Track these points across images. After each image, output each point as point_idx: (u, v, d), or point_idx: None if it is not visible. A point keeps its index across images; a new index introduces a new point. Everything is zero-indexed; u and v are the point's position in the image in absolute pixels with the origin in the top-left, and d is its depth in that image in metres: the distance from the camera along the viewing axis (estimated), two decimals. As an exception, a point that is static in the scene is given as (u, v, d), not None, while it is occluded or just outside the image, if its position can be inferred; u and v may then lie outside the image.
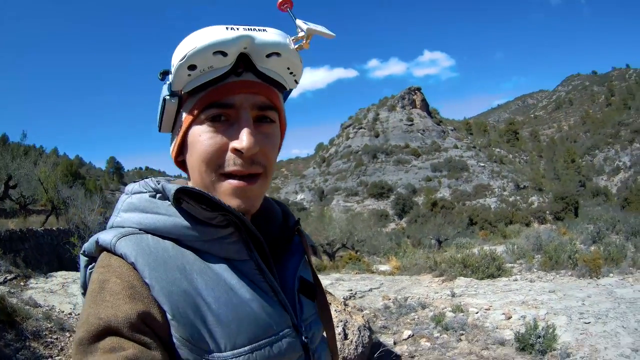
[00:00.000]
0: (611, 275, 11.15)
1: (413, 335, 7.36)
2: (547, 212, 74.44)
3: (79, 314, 9.36)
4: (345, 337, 5.58)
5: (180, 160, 1.26)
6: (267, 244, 1.22)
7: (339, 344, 5.38)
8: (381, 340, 6.90)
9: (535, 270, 13.29)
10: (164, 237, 1.09)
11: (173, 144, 1.25)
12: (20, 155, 19.67)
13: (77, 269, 14.86)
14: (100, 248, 1.08)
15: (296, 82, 1.28)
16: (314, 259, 1.58)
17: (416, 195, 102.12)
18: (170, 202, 1.11)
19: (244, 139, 1.09)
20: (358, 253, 24.92)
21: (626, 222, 20.14)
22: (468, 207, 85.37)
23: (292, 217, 1.44)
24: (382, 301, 9.99)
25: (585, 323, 7.36)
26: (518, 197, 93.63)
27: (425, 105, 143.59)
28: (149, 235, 1.08)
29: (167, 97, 1.15)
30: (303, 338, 1.21)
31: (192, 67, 1.07)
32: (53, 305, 8.58)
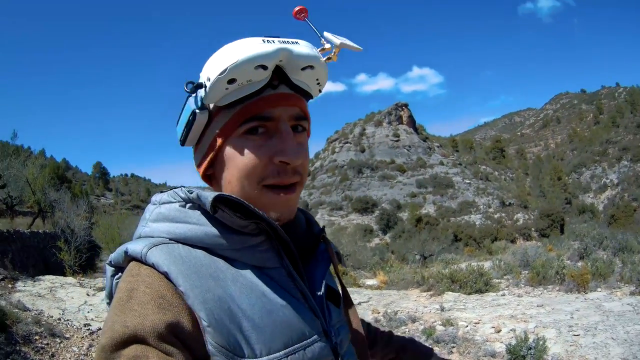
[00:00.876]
0: (599, 289, 11.30)
1: None
2: (533, 229, 74.85)
3: (68, 320, 9.43)
4: None
5: (209, 174, 1.26)
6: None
7: None
8: None
9: (522, 285, 13.46)
10: (194, 247, 1.09)
11: (201, 158, 1.25)
12: (10, 154, 19.65)
13: (63, 274, 14.91)
14: (130, 258, 1.08)
15: (320, 91, 1.30)
16: (340, 268, 1.53)
17: (401, 211, 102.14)
18: (200, 212, 1.12)
19: (290, 152, 1.11)
20: (344, 267, 24.89)
21: (613, 238, 20.23)
22: (453, 223, 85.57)
23: (316, 224, 1.45)
24: (371, 315, 10.10)
25: (575, 335, 7.48)
26: (503, 214, 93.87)
27: (412, 122, 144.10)
28: (180, 245, 1.08)
29: (197, 111, 1.14)
30: (333, 343, 1.22)
31: (231, 81, 1.07)
32: (42, 310, 8.62)
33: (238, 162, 1.13)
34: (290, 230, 1.28)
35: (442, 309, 10.34)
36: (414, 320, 9.12)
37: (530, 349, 6.44)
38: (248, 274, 1.10)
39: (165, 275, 0.99)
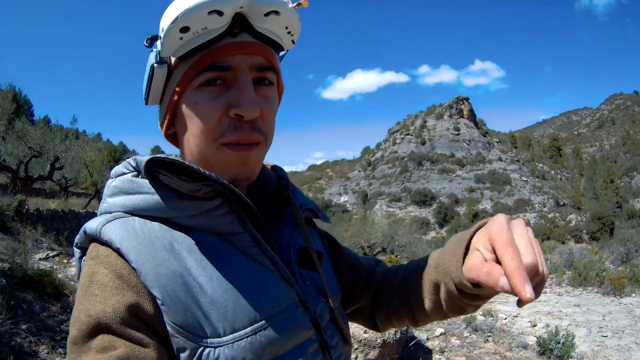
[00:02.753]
0: (633, 295, 11.37)
1: (445, 333, 7.76)
2: (584, 231, 73.22)
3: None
4: None
5: (171, 133, 1.17)
6: (262, 214, 1.14)
7: None
8: (415, 334, 7.21)
9: (564, 285, 13.59)
10: (151, 218, 1.02)
11: (163, 117, 1.16)
12: (71, 138, 19.69)
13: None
14: (89, 238, 1.02)
15: (293, 42, 1.16)
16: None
17: (458, 206, 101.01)
18: (150, 180, 1.03)
19: (244, 102, 1.01)
20: (398, 257, 25.07)
21: (657, 245, 19.92)
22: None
23: (287, 181, 1.36)
24: None
25: (603, 336, 7.70)
26: (557, 214, 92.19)
27: (472, 116, 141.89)
28: (136, 218, 1.01)
29: (156, 65, 1.05)
30: (312, 313, 1.13)
31: (184, 30, 0.97)
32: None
33: (193, 116, 1.05)
34: (257, 190, 1.27)
35: None
36: None
37: (558, 343, 6.70)
38: (207, 243, 1.02)
39: (118, 252, 0.95)
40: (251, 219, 1.09)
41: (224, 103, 1.02)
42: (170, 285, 0.92)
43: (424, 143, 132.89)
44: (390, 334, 5.85)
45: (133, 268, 0.93)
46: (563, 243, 48.38)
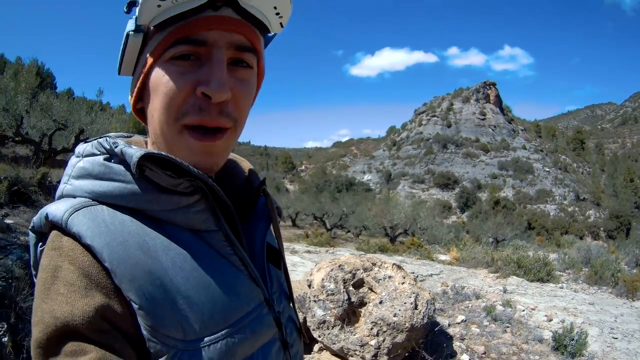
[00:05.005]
0: None
1: (465, 320, 7.89)
2: (602, 228, 72.15)
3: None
4: (416, 307, 5.84)
5: (140, 107, 1.12)
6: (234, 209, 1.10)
7: (409, 313, 5.74)
8: (437, 320, 7.36)
9: (580, 282, 13.58)
10: (120, 207, 0.97)
11: (133, 88, 1.09)
12: (96, 110, 19.42)
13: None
14: (51, 224, 0.96)
15: (282, 25, 1.09)
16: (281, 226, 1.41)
17: (480, 191, 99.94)
18: (125, 167, 0.98)
19: (213, 81, 0.95)
20: (420, 240, 24.95)
21: (674, 250, 19.38)
22: (529, 210, 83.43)
23: (256, 175, 1.33)
24: (440, 287, 10.46)
25: (614, 338, 7.80)
26: (577, 208, 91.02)
27: (498, 101, 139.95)
28: (104, 208, 0.96)
29: (131, 33, 0.98)
30: (275, 312, 1.16)
31: None
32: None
33: (159, 90, 0.98)
34: (225, 183, 1.25)
35: (505, 291, 10.61)
36: (477, 297, 9.39)
37: (572, 340, 6.83)
38: (181, 240, 0.99)
39: (88, 248, 0.90)
40: (225, 216, 1.07)
41: (193, 80, 0.97)
42: (147, 288, 0.90)
43: (449, 126, 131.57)
44: (418, 318, 5.83)
45: (105, 268, 0.89)
46: (581, 238, 47.97)
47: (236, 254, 1.06)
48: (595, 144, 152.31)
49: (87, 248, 0.90)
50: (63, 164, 22.15)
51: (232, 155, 1.36)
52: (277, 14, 1.04)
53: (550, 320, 8.64)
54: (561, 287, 12.28)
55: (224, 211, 1.07)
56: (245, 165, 1.39)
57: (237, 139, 1.10)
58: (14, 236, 7.36)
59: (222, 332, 0.98)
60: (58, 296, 0.86)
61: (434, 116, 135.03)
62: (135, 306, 0.89)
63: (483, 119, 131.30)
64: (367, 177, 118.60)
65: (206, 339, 0.95)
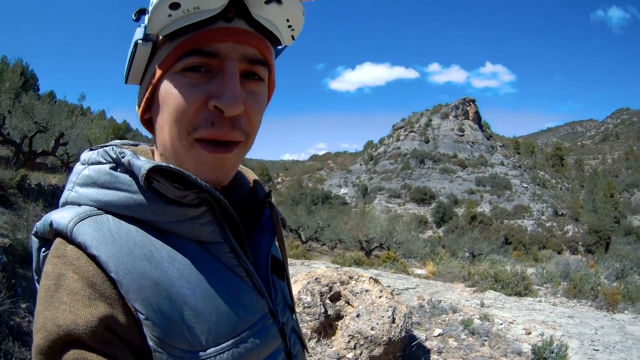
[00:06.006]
0: (626, 312, 11.48)
1: (443, 334, 7.87)
2: (580, 243, 73.33)
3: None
4: (393, 321, 5.92)
5: (147, 118, 1.09)
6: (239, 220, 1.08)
7: (387, 327, 5.82)
8: (414, 333, 7.33)
9: (559, 295, 13.66)
10: (126, 218, 0.95)
11: (140, 99, 1.07)
12: (77, 114, 19.40)
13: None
14: (55, 232, 0.94)
15: (293, 38, 1.07)
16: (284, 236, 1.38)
17: (457, 206, 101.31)
18: (132, 177, 0.96)
19: (226, 95, 0.93)
20: (395, 254, 25.10)
21: (652, 264, 19.82)
22: (506, 225, 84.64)
23: (261, 187, 1.31)
24: (417, 300, 10.39)
25: (594, 350, 7.82)
26: (555, 224, 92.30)
27: (477, 118, 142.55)
28: (110, 217, 0.94)
29: (140, 42, 0.96)
30: (280, 323, 1.13)
31: (174, 6, 0.89)
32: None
33: (169, 103, 0.96)
34: (231, 194, 1.22)
35: (482, 305, 10.70)
36: (454, 311, 9.41)
37: (552, 352, 6.83)
38: (187, 251, 0.97)
39: (94, 259, 0.88)
40: (231, 228, 1.05)
41: (205, 93, 0.95)
42: (154, 299, 0.88)
43: (427, 141, 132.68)
44: (396, 332, 5.89)
45: (111, 278, 0.88)
46: (559, 253, 48.46)
47: (241, 265, 1.04)
48: (575, 160, 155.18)
49: (93, 258, 0.88)
50: (42, 167, 22.02)
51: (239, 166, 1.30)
52: (290, 26, 1.02)
53: (529, 333, 8.65)
54: (539, 301, 12.41)
55: (229, 223, 1.04)
56: (251, 176, 1.36)
57: (247, 152, 1.08)
58: (-10, 237, 7.11)
59: (228, 342, 0.96)
60: (61, 304, 0.84)
61: (412, 131, 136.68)
62: (141, 317, 0.87)
63: (461, 135, 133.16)
64: (343, 190, 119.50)
65: (212, 350, 0.93)
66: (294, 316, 1.28)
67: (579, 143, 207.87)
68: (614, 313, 11.28)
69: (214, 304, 0.95)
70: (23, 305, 5.96)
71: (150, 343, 0.88)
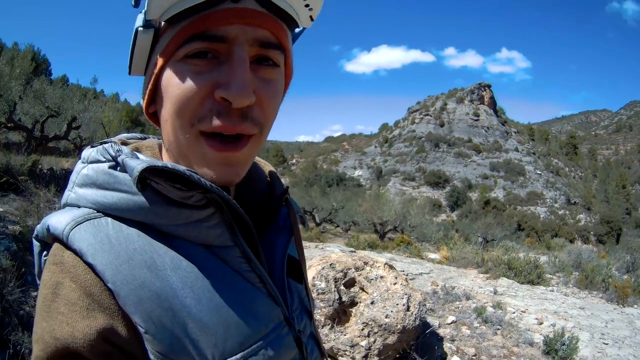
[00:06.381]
0: (635, 306, 11.39)
1: (456, 321, 7.86)
2: (592, 232, 72.72)
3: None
4: (408, 309, 5.84)
5: (152, 111, 1.02)
6: (252, 219, 1.01)
7: (401, 315, 5.75)
8: (428, 321, 7.29)
9: (571, 285, 13.58)
10: (127, 221, 0.90)
11: (144, 90, 0.99)
12: (89, 97, 19.06)
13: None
14: (52, 236, 0.90)
15: (312, 19, 0.98)
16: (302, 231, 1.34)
17: (471, 191, 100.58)
18: None
19: (234, 84, 0.84)
20: (409, 237, 24.98)
21: (665, 257, 19.66)
22: (519, 212, 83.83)
23: (279, 182, 1.24)
24: (430, 286, 10.38)
25: (604, 343, 7.81)
26: (567, 212, 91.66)
27: (492, 103, 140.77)
28: (109, 220, 0.89)
29: (141, 29, 0.89)
30: (296, 331, 1.07)
31: None
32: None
33: (172, 93, 0.89)
34: (245, 190, 1.16)
35: (495, 292, 10.63)
36: (468, 298, 9.36)
37: (563, 344, 6.82)
38: (193, 256, 0.91)
39: (90, 267, 0.85)
40: (242, 230, 0.98)
41: (211, 81, 0.87)
42: (155, 311, 0.84)
43: (442, 125, 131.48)
44: (410, 320, 5.84)
45: (108, 288, 0.84)
46: (571, 242, 48.10)
47: (254, 270, 0.98)
48: (588, 149, 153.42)
49: (89, 266, 0.85)
50: (54, 151, 21.98)
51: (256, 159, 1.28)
52: (307, 5, 0.93)
53: (541, 323, 8.65)
54: (552, 291, 12.33)
55: (240, 225, 0.97)
56: (268, 168, 1.30)
57: (262, 145, 1.00)
58: (2, 225, 7.19)
59: (237, 356, 0.91)
60: (59, 315, 0.82)
61: (427, 115, 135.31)
62: (141, 330, 0.84)
63: (476, 120, 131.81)
64: (357, 172, 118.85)
65: None
66: (312, 321, 1.22)
67: (593, 132, 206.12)
68: (624, 306, 11.18)
69: (221, 315, 0.90)
70: (34, 294, 5.76)
71: (152, 357, 0.85)
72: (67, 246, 0.87)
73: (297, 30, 1.02)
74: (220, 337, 0.89)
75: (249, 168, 0.99)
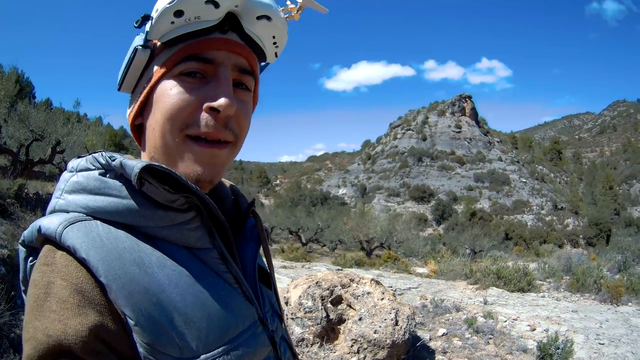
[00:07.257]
0: (630, 304, 11.40)
1: (447, 333, 7.82)
2: (581, 236, 73.30)
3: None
4: (396, 323, 5.85)
5: (138, 123, 1.13)
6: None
7: (390, 330, 5.76)
8: (418, 334, 7.28)
9: (562, 290, 13.59)
10: (115, 223, 0.96)
11: (133, 105, 1.11)
12: (73, 121, 19.20)
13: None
14: (43, 238, 0.94)
15: (276, 55, 1.18)
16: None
17: (456, 203, 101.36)
18: (121, 182, 0.97)
19: (222, 95, 0.99)
20: (396, 253, 25.05)
21: (655, 255, 19.69)
22: (506, 221, 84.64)
23: (243, 197, 1.33)
24: (419, 300, 10.40)
25: (600, 344, 7.80)
26: (555, 217, 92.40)
27: (474, 114, 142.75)
28: (99, 223, 0.94)
29: (140, 47, 1.02)
30: (270, 331, 1.15)
31: (178, 14, 0.96)
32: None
33: (164, 103, 1.00)
34: (217, 204, 1.18)
35: (485, 302, 10.65)
36: (458, 310, 9.38)
37: (558, 348, 6.76)
38: (176, 256, 0.98)
39: (83, 262, 0.88)
40: (220, 234, 1.08)
41: (200, 96, 1.01)
42: (144, 304, 0.89)
43: (424, 139, 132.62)
44: (399, 334, 5.84)
45: (100, 283, 0.88)
46: (560, 247, 48.49)
47: (230, 271, 1.06)
48: (572, 153, 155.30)
49: (82, 262, 0.89)
50: (40, 176, 21.92)
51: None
52: (274, 43, 1.14)
53: (534, 329, 8.64)
54: (543, 297, 12.39)
55: (218, 229, 1.08)
56: (228, 183, 1.38)
57: (235, 157, 1.13)
58: (-11, 249, 7.20)
59: (219, 349, 0.96)
60: (51, 313, 0.84)
61: (409, 129, 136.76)
62: (131, 322, 0.88)
63: (458, 132, 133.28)
64: (342, 191, 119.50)
65: (202, 357, 0.94)
66: (282, 325, 1.31)
67: (577, 136, 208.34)
68: (618, 306, 11.24)
69: (204, 311, 0.96)
70: (23, 317, 5.83)
71: (141, 350, 0.88)
72: (59, 246, 0.91)
73: (262, 63, 1.22)
74: (204, 330, 0.95)
75: (223, 174, 1.12)
